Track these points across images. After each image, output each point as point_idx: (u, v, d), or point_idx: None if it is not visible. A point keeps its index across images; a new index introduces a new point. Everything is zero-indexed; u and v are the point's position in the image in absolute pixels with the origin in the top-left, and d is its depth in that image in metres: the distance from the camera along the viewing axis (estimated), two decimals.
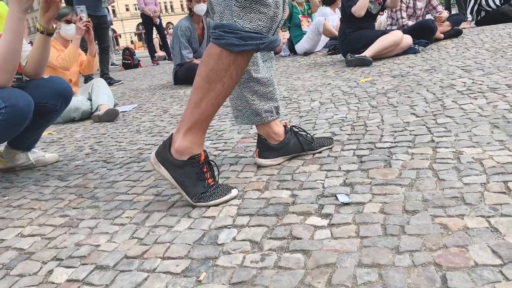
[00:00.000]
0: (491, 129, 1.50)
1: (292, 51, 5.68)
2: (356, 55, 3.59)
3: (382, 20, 5.11)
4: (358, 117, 1.98)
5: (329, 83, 3.03)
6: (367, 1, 3.65)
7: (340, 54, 4.36)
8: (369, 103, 2.22)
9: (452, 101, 1.98)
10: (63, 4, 5.65)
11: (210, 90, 1.18)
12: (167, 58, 9.09)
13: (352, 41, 3.81)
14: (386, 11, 4.53)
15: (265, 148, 1.50)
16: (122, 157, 1.94)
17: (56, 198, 1.49)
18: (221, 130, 2.16)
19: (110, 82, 5.47)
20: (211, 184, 1.23)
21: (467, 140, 1.43)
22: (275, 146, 1.49)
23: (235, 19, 1.14)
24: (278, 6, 1.17)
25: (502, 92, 1.98)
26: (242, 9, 1.13)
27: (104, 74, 5.58)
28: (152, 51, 8.81)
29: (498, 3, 5.59)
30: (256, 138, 1.71)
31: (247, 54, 1.18)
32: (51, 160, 2.02)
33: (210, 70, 1.17)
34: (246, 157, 1.64)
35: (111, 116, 2.93)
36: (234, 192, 1.26)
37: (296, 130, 1.55)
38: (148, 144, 2.12)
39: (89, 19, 3.20)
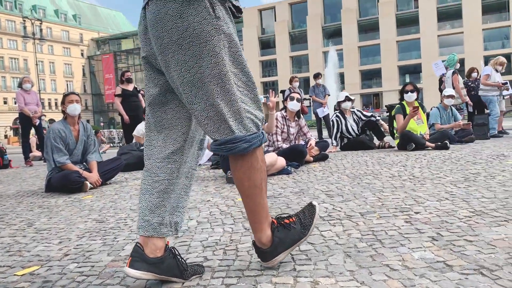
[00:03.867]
0: (344, 258, 1.68)
1: None
2: None
3: None
4: (231, 240, 2.06)
5: (209, 200, 3.12)
6: None
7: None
8: (243, 225, 2.33)
9: (315, 226, 2.17)
10: None
11: (261, 189, 1.52)
12: (43, 158, 8.54)
13: None
14: None
15: (139, 258, 1.47)
16: None
17: None
18: (90, 251, 2.05)
19: None
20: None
21: (324, 269, 1.57)
22: (150, 259, 1.48)
23: (234, 131, 1.43)
24: (260, 111, 1.51)
25: (356, 220, 2.24)
26: (235, 122, 1.43)
27: None
28: (26, 152, 8.25)
29: (356, 132, 6.51)
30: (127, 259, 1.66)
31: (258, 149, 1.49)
32: None
33: (249, 179, 1.50)
34: (113, 285, 1.57)
35: None
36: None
37: (175, 252, 1.56)
38: (4, 266, 1.91)
39: None
